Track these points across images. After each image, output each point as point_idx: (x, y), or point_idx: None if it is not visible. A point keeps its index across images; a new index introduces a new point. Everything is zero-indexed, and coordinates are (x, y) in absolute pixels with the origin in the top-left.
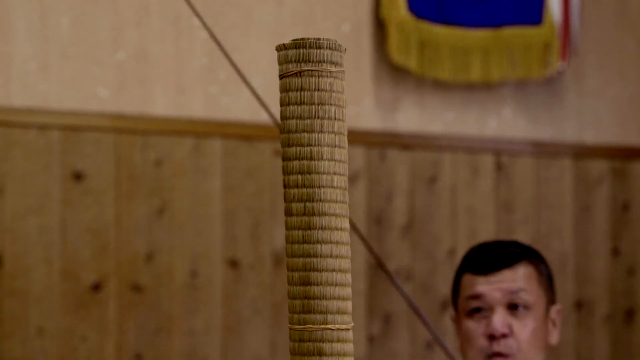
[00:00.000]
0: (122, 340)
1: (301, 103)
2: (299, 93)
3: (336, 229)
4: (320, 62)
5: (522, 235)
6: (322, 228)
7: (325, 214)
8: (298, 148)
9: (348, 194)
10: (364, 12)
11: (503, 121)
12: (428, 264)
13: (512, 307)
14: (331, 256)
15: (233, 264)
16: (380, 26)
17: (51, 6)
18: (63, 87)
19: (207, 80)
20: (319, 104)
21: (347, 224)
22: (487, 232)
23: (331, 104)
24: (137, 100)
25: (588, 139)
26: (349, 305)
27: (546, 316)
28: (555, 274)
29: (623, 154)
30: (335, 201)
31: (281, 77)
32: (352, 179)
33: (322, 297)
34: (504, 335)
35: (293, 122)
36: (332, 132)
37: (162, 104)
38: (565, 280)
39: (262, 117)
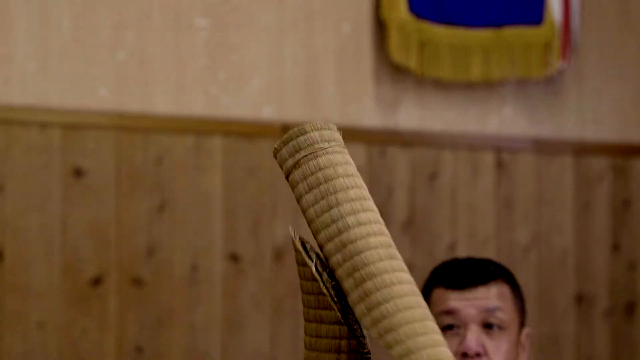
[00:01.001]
0: (122, 335)
1: (310, 189)
2: (305, 182)
3: None
4: (312, 144)
5: (523, 232)
6: None
7: None
8: (324, 231)
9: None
10: (364, 12)
11: (503, 119)
12: (428, 260)
13: (487, 326)
14: None
15: (233, 258)
16: (380, 26)
17: (52, 5)
18: (63, 86)
19: (208, 79)
20: (326, 182)
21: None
22: (487, 229)
23: (338, 177)
24: (137, 98)
25: (588, 137)
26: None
27: (518, 339)
28: (556, 269)
29: (623, 152)
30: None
31: (287, 177)
32: None
33: None
34: (477, 355)
35: (311, 210)
36: (350, 201)
37: (162, 102)
38: (566, 275)
39: (263, 115)
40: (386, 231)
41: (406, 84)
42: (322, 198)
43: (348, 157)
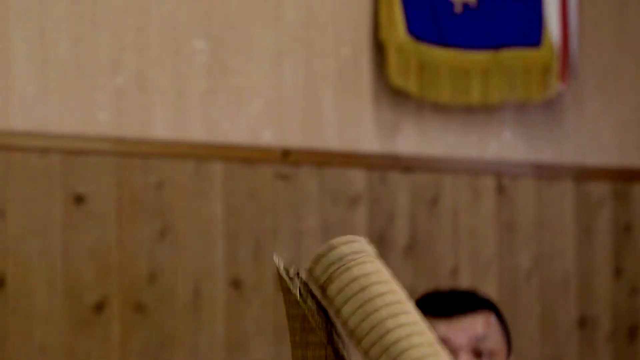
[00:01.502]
0: None
1: (346, 301)
2: (340, 294)
3: None
4: (342, 257)
5: (525, 256)
6: None
7: None
8: (366, 339)
9: (352, 219)
10: (363, 35)
11: (503, 143)
12: (430, 285)
13: (477, 355)
14: None
15: (236, 283)
16: (379, 49)
17: (51, 29)
18: (63, 111)
19: (207, 104)
20: (361, 290)
21: None
22: (489, 253)
23: (372, 284)
24: (137, 123)
25: (588, 161)
26: None
27: None
28: (558, 293)
29: (624, 176)
30: None
31: (323, 294)
32: (353, 201)
33: None
34: None
35: (351, 321)
36: (387, 305)
37: (162, 127)
38: (568, 299)
39: (263, 139)
40: (428, 332)
41: (406, 107)
42: (360, 307)
43: (380, 265)
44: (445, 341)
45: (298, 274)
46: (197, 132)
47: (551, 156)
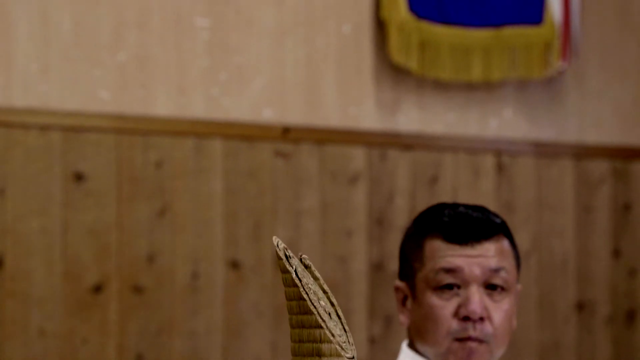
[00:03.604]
0: (123, 342)
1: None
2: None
3: None
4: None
5: (524, 236)
6: None
7: None
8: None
9: (351, 198)
10: (365, 13)
11: (504, 121)
12: None
13: (489, 287)
14: None
15: (234, 265)
16: (380, 27)
17: (52, 7)
18: (64, 88)
19: (208, 81)
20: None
21: None
22: None
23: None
24: (138, 101)
25: (589, 139)
26: None
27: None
28: (557, 275)
29: (624, 154)
30: None
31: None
32: (353, 179)
33: None
34: (481, 319)
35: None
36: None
37: (163, 105)
38: (566, 281)
39: (263, 117)
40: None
41: (407, 85)
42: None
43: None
44: (458, 272)
45: (293, 256)
46: (197, 109)
47: (551, 134)
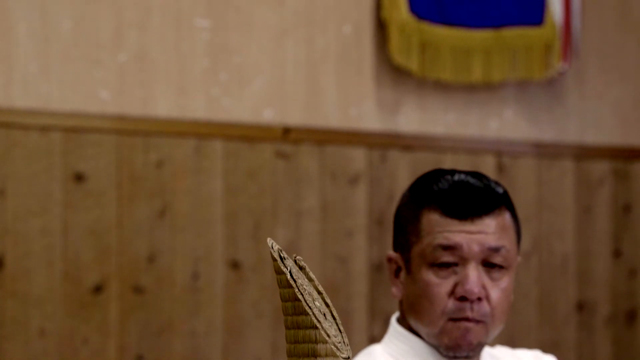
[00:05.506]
0: (123, 342)
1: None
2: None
3: None
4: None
5: (524, 236)
6: None
7: None
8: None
9: (351, 198)
10: (365, 13)
11: (504, 122)
12: None
13: (487, 265)
14: None
15: (234, 265)
16: (381, 27)
17: (52, 7)
18: (64, 89)
19: (209, 82)
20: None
21: None
22: None
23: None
24: (138, 101)
25: (589, 140)
26: None
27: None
28: (557, 275)
29: (624, 155)
30: None
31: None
32: (354, 180)
33: None
34: (478, 299)
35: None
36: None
37: (163, 106)
38: (566, 281)
39: (264, 118)
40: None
41: (407, 86)
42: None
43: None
44: (455, 247)
45: (287, 257)
46: (198, 110)
47: (552, 135)
